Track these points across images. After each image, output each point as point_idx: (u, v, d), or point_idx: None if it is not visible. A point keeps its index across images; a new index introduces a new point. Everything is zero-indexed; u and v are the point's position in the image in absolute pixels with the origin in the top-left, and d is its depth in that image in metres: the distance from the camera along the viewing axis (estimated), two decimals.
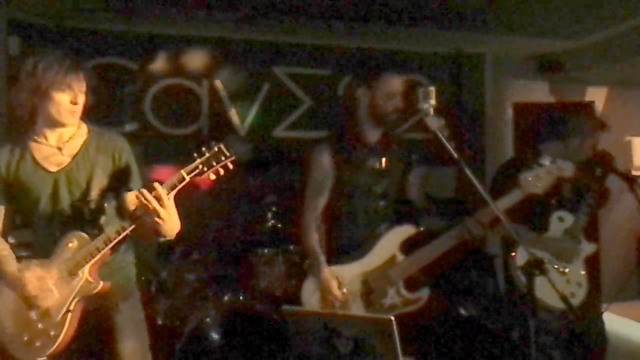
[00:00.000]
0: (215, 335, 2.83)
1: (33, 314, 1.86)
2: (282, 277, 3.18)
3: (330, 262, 2.23)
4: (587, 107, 4.47)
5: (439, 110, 2.04)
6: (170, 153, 4.23)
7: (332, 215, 2.31)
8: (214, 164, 1.76)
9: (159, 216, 1.75)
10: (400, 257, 2.21)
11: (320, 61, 4.58)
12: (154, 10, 3.84)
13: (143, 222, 1.78)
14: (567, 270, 2.63)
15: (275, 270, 3.19)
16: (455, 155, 1.95)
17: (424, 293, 2.21)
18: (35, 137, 1.94)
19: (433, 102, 2.01)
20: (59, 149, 1.93)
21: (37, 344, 1.84)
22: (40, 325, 1.85)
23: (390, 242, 2.22)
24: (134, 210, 1.80)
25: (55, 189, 1.91)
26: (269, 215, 3.39)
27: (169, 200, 1.76)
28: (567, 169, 2.22)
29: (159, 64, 4.23)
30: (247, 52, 4.41)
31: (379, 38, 4.45)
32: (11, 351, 1.87)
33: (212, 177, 1.77)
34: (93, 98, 1.94)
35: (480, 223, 2.11)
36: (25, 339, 1.85)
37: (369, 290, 2.19)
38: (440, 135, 1.97)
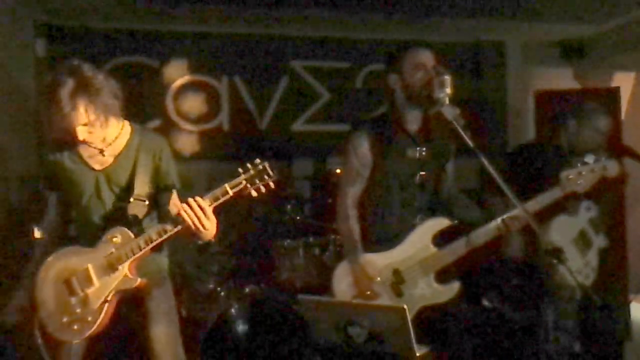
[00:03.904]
0: (238, 325, 2.89)
1: (73, 299, 1.96)
2: (302, 268, 3.22)
3: (363, 250, 2.23)
4: (608, 93, 4.37)
5: (456, 100, 2.02)
6: (192, 148, 4.35)
7: (369, 203, 2.28)
8: (257, 181, 1.82)
9: (203, 227, 1.83)
10: (432, 248, 2.18)
11: (338, 54, 4.58)
12: (174, 9, 3.91)
13: (184, 227, 1.86)
14: (587, 252, 2.66)
15: (296, 261, 3.23)
16: (472, 145, 1.94)
17: (455, 286, 2.18)
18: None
19: (448, 91, 2.00)
20: (101, 151, 2.01)
21: (75, 327, 1.95)
22: (78, 310, 1.95)
23: (424, 233, 2.19)
24: (178, 214, 1.85)
25: (98, 186, 2.01)
26: (288, 207, 3.42)
27: (210, 210, 1.84)
28: (612, 168, 2.15)
29: (179, 61, 4.31)
30: (265, 46, 4.44)
31: (397, 29, 4.43)
32: (51, 330, 1.97)
33: (254, 194, 1.83)
34: (109, 105, 1.90)
35: (518, 217, 2.03)
36: (64, 320, 1.96)
37: (400, 280, 2.17)
38: (456, 125, 1.95)
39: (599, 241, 2.75)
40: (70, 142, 1.98)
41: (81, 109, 1.80)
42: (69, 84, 1.79)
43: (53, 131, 1.88)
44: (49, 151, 2.04)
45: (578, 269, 2.60)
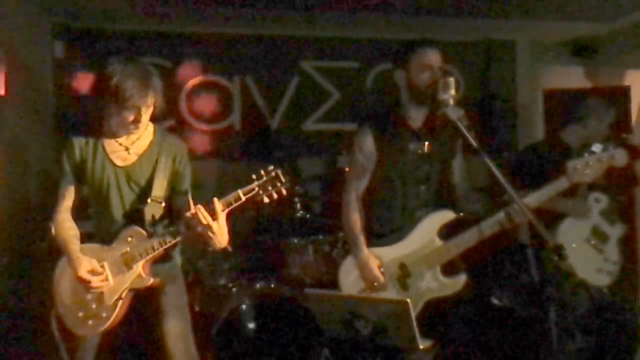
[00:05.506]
0: (249, 320, 2.96)
1: (89, 296, 2.04)
2: (312, 266, 3.28)
3: (368, 244, 2.26)
4: (618, 91, 4.35)
5: (467, 98, 2.04)
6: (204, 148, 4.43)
7: (373, 197, 2.32)
8: (270, 188, 1.88)
9: (211, 231, 1.88)
10: (438, 241, 2.20)
11: (348, 54, 4.63)
12: (186, 10, 3.99)
13: (196, 231, 1.91)
14: (604, 248, 2.62)
15: (305, 259, 3.29)
16: (475, 145, 1.98)
17: (461, 278, 2.19)
18: (108, 132, 2.09)
19: (453, 92, 2.02)
20: (127, 148, 2.08)
21: (90, 322, 2.03)
22: (94, 306, 2.03)
23: (429, 226, 2.21)
24: (189, 218, 1.91)
25: (118, 183, 2.07)
26: (298, 205, 3.48)
27: (222, 216, 1.89)
28: (620, 157, 2.10)
29: (191, 62, 4.39)
30: (276, 47, 4.51)
31: (407, 28, 4.45)
32: (68, 324, 2.06)
33: (266, 200, 1.88)
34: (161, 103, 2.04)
35: (523, 211, 2.00)
36: (80, 315, 2.04)
37: (406, 274, 2.19)
38: (460, 125, 1.99)
39: (616, 231, 2.68)
40: (96, 135, 2.07)
41: (152, 92, 1.95)
42: (145, 71, 1.96)
43: (110, 112, 1.97)
44: (74, 143, 2.08)
45: (598, 268, 2.57)
